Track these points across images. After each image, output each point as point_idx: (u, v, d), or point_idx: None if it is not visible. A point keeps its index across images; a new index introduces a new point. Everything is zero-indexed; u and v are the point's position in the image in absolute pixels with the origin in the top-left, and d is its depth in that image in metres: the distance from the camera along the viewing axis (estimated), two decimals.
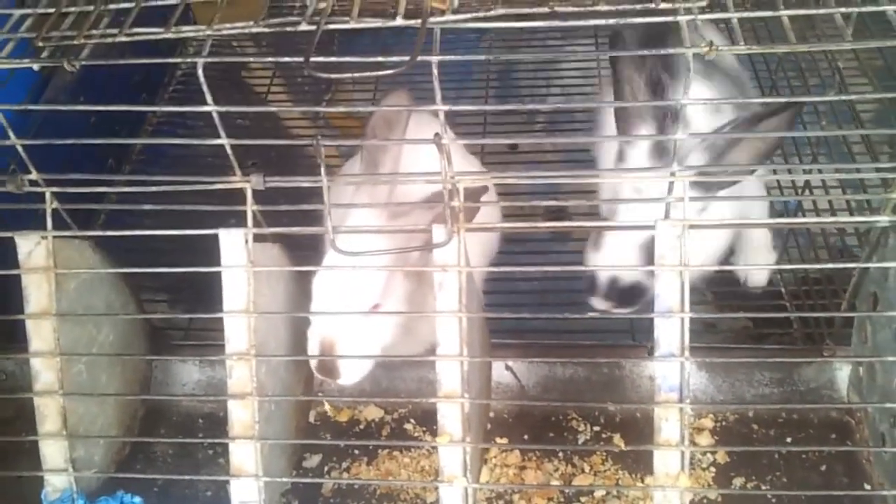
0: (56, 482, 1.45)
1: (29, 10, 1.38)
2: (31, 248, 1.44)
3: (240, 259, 1.38)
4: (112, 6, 1.34)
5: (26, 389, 1.47)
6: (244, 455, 1.39)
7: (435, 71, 1.20)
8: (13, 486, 1.56)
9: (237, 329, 1.39)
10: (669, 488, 1.33)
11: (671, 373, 1.32)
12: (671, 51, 1.21)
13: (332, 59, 1.22)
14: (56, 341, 1.44)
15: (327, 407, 1.71)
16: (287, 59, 1.26)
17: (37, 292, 1.44)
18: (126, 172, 2.40)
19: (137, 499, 1.53)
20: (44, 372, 1.45)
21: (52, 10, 1.35)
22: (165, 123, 2.56)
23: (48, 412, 1.44)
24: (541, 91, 2.65)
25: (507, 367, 1.74)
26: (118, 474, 1.59)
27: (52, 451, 1.45)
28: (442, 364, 1.37)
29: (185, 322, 1.95)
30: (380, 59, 1.16)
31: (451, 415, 1.37)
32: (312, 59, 1.15)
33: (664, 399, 1.32)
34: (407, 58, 1.13)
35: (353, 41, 2.53)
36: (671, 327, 1.32)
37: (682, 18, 1.21)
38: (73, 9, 1.34)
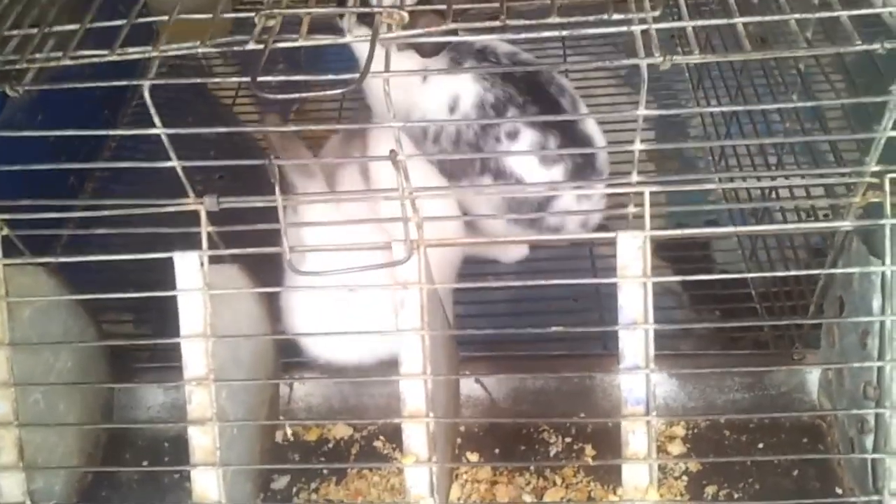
0: None
1: None
2: None
3: (195, 282, 1.35)
4: (56, 28, 1.31)
5: None
6: (207, 482, 1.36)
7: (386, 87, 1.19)
8: None
9: (195, 353, 1.36)
10: (639, 502, 1.31)
11: (637, 385, 1.31)
12: (625, 62, 1.19)
13: (280, 77, 1.20)
14: (10, 371, 1.40)
15: (289, 431, 1.68)
16: (235, 78, 1.24)
17: None
18: (88, 190, 2.36)
19: None
20: None
21: None
22: (128, 139, 2.52)
23: (3, 444, 1.40)
24: None
25: (477, 381, 1.72)
26: (82, 503, 1.56)
27: (10, 484, 1.41)
28: (405, 383, 1.35)
29: (150, 343, 1.91)
30: (328, 77, 1.14)
31: (417, 434, 1.35)
32: (259, 78, 1.13)
33: (631, 412, 1.31)
34: (355, 76, 1.12)
35: (320, 52, 2.50)
36: (635, 339, 1.31)
37: (636, 28, 1.19)
38: (15, 32, 1.31)
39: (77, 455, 1.59)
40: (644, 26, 1.20)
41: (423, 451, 1.34)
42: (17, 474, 1.40)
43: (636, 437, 1.31)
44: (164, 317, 1.82)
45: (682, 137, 2.42)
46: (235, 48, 1.21)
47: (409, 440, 1.35)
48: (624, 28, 1.19)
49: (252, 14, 1.24)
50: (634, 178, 1.30)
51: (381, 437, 1.69)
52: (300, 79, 1.19)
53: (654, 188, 1.31)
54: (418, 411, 1.34)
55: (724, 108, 2.18)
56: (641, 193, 1.31)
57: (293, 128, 2.00)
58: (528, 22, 1.18)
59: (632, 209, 1.35)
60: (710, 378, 1.70)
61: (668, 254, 1.98)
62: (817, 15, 1.24)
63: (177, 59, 1.25)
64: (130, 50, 1.25)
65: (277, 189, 1.30)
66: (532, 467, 1.61)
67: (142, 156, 1.99)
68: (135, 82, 1.23)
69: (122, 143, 2.49)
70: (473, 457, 1.63)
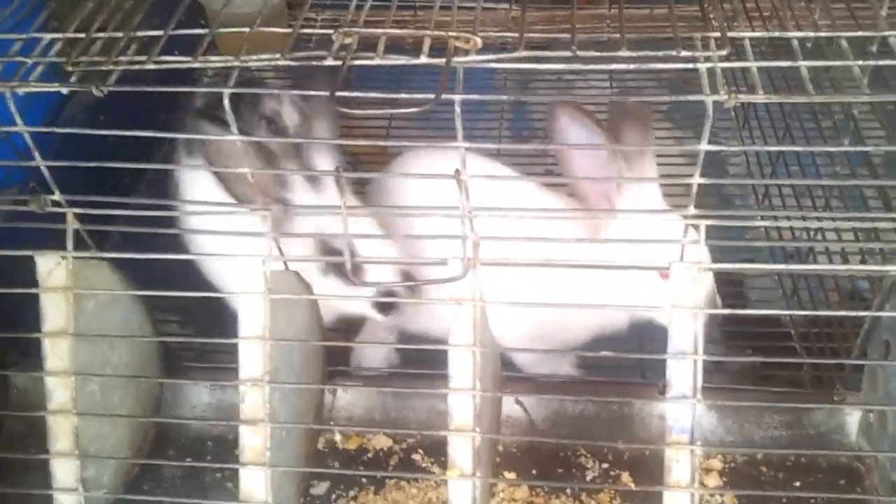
0: (66, 501, 1.46)
1: (59, 35, 1.41)
2: (51, 267, 1.46)
3: (256, 285, 1.39)
4: (140, 33, 1.37)
5: (37, 406, 1.48)
6: (254, 481, 1.39)
7: (458, 109, 1.23)
8: (21, 503, 1.57)
9: (252, 355, 1.40)
10: None
11: (683, 414, 1.33)
12: (691, 97, 1.23)
13: (357, 94, 1.24)
14: (71, 361, 1.45)
15: (338, 436, 1.71)
16: (313, 92, 1.29)
17: (54, 311, 1.46)
18: (142, 189, 2.43)
19: None
20: (58, 391, 1.45)
21: (82, 35, 1.38)
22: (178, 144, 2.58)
23: (61, 431, 1.45)
24: None
25: (518, 402, 1.74)
26: (127, 496, 1.60)
27: (63, 470, 1.46)
28: (454, 397, 1.38)
29: (197, 343, 1.96)
30: (405, 95, 1.18)
31: (462, 448, 1.37)
32: (338, 93, 1.18)
33: (675, 440, 1.32)
34: (430, 95, 1.16)
35: (371, 69, 2.55)
36: (684, 369, 1.33)
37: (702, 66, 1.23)
38: (102, 34, 1.37)
39: (127, 447, 1.64)
40: (710, 64, 1.23)
41: (468, 464, 1.37)
42: (71, 461, 1.45)
43: (679, 465, 1.32)
44: (209, 319, 1.88)
45: (722, 175, 2.44)
46: (314, 63, 1.26)
47: (455, 453, 1.37)
48: (690, 65, 1.23)
49: (330, 32, 1.28)
50: (691, 210, 1.32)
51: (420, 451, 1.72)
52: (377, 96, 1.23)
53: (710, 221, 1.34)
54: (465, 425, 1.37)
55: (782, 149, 2.18)
56: (697, 226, 1.34)
57: (347, 141, 2.06)
58: (598, 54, 1.22)
59: (686, 241, 1.38)
60: (749, 413, 1.71)
61: None
62: (880, 63, 1.27)
63: (227, 70, 1.29)
64: (212, 58, 1.31)
65: (343, 200, 1.34)
66: (569, 490, 1.62)
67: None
68: (216, 90, 1.28)
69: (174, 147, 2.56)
70: (511, 476, 1.65)
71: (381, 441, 1.73)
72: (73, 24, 1.42)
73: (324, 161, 1.70)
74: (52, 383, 1.45)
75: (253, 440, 1.39)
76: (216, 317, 1.84)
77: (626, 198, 1.65)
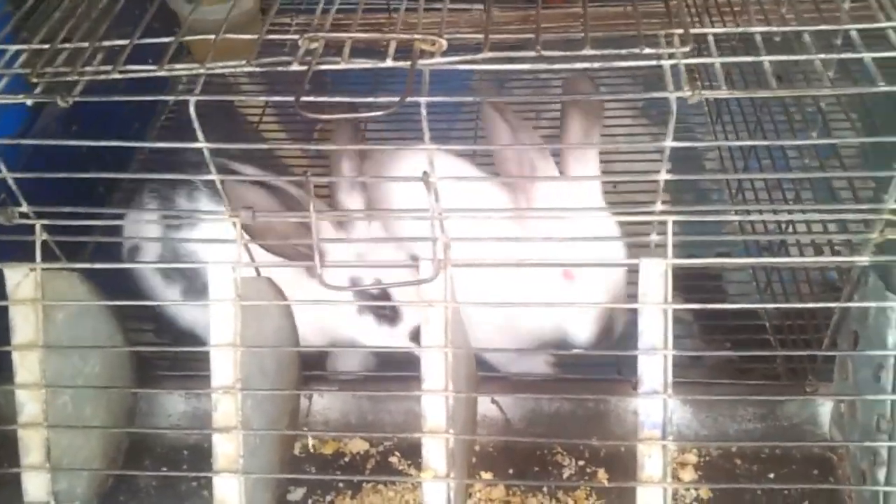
0: None
1: (24, 46, 1.40)
2: (20, 279, 1.45)
3: (228, 293, 1.39)
4: (106, 42, 1.36)
5: (9, 420, 1.47)
6: (228, 489, 1.39)
7: (423, 111, 1.23)
8: None
9: (223, 362, 1.39)
10: None
11: (654, 410, 1.34)
12: (655, 95, 1.24)
13: (323, 98, 1.24)
14: (42, 373, 1.44)
15: (310, 442, 1.71)
16: (278, 97, 1.29)
17: (23, 324, 1.45)
18: (115, 200, 2.41)
19: None
20: (29, 403, 1.44)
21: (46, 46, 1.37)
22: (157, 151, 2.56)
23: (32, 444, 1.44)
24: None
25: (493, 401, 1.75)
26: None
27: (35, 484, 1.44)
28: (427, 398, 1.38)
29: (171, 352, 1.94)
30: (369, 99, 1.19)
31: (436, 450, 1.37)
32: (303, 98, 1.18)
33: (647, 436, 1.33)
34: (395, 99, 1.16)
35: (346, 74, 2.55)
36: (655, 364, 1.34)
37: (666, 63, 1.24)
38: (67, 45, 1.36)
39: (100, 459, 1.62)
40: (674, 61, 1.24)
41: (442, 466, 1.37)
42: (42, 475, 1.44)
43: (652, 460, 1.33)
44: (185, 327, 1.87)
45: (697, 170, 2.46)
46: (280, 68, 1.25)
47: (429, 455, 1.37)
48: (653, 62, 1.23)
49: (296, 37, 1.28)
50: (658, 206, 1.33)
51: (397, 453, 1.71)
52: (342, 100, 1.23)
53: (678, 217, 1.35)
54: (438, 427, 1.37)
55: (750, 143, 2.20)
56: (664, 222, 1.35)
57: (321, 146, 2.06)
58: (562, 53, 1.22)
59: (654, 237, 1.39)
60: (723, 407, 1.72)
61: (679, 283, 2.00)
62: (841, 56, 1.29)
63: (206, 76, 1.29)
64: (177, 66, 1.30)
65: (312, 205, 1.34)
66: (545, 488, 1.63)
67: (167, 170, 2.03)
68: (181, 97, 1.28)
69: (150, 156, 2.55)
70: (488, 476, 1.65)
71: (357, 445, 1.73)
72: (39, 35, 1.41)
73: (350, 198, 1.73)
74: (22, 396, 1.44)
75: (226, 448, 1.38)
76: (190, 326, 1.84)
77: (545, 191, 1.68)
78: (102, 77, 1.29)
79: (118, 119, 2.38)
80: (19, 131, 2.07)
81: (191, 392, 1.78)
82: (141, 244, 1.88)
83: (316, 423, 1.76)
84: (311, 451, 1.73)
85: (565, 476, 1.66)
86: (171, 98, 1.36)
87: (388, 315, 1.69)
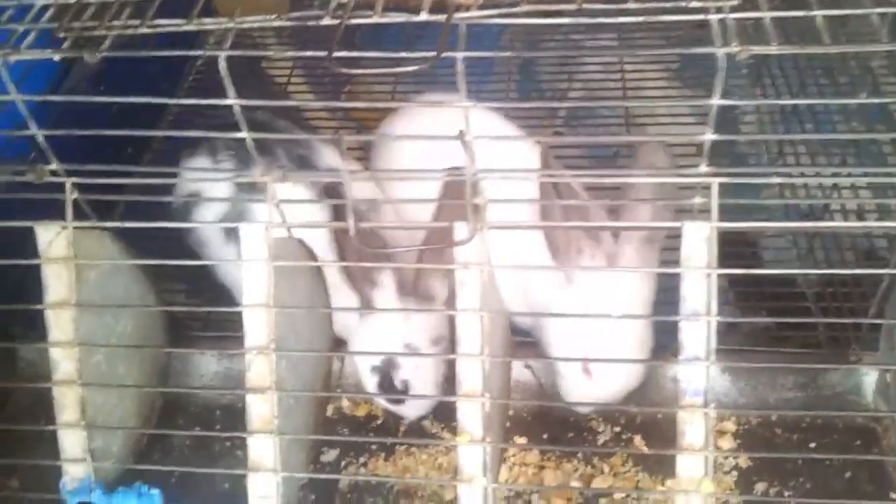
0: (74, 472, 1.45)
1: (50, 0, 1.37)
2: (52, 238, 1.44)
3: (260, 252, 1.37)
4: None
5: (45, 378, 1.47)
6: (263, 449, 1.38)
7: (460, 67, 1.19)
8: (32, 474, 1.57)
9: (256, 323, 1.38)
10: (692, 493, 1.31)
11: (696, 377, 1.30)
12: (701, 50, 1.18)
13: (355, 53, 1.20)
14: (75, 331, 1.43)
15: (345, 403, 1.70)
16: (310, 53, 1.25)
17: (56, 282, 1.44)
18: (146, 160, 2.40)
19: (155, 490, 1.52)
20: (63, 362, 1.44)
21: (73, 1, 1.34)
22: (186, 112, 2.55)
23: (67, 402, 1.44)
24: (562, 86, 2.62)
25: (527, 366, 1.73)
26: (136, 465, 1.59)
27: (71, 441, 1.45)
28: (462, 362, 1.36)
29: (204, 312, 1.94)
30: (403, 54, 1.15)
31: (472, 414, 1.35)
32: (335, 53, 1.14)
33: (689, 403, 1.30)
34: (431, 53, 1.12)
35: (378, 33, 2.51)
36: (697, 330, 1.30)
37: (713, 17, 1.18)
38: (93, 0, 1.33)
39: (135, 417, 1.63)
40: (721, 15, 1.19)
41: (478, 430, 1.35)
42: (78, 432, 1.44)
43: (693, 428, 1.30)
44: (217, 288, 1.86)
45: (735, 133, 2.39)
46: (310, 23, 1.22)
47: (465, 419, 1.35)
48: (701, 16, 1.18)
49: None
50: (703, 168, 1.28)
51: (430, 416, 1.70)
52: (376, 55, 1.19)
53: (723, 179, 1.30)
54: (474, 391, 1.35)
55: (805, 101, 2.12)
56: (707, 185, 1.30)
57: (348, 104, 2.01)
58: (604, 6, 1.17)
59: (697, 200, 1.34)
60: (763, 375, 1.69)
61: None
62: None
63: (234, 36, 1.25)
64: (206, 20, 1.27)
65: (344, 164, 1.32)
66: (580, 454, 1.61)
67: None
68: (210, 53, 1.24)
69: (179, 116, 2.53)
70: (522, 440, 1.63)
71: None
72: None
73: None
74: (56, 354, 1.44)
75: (260, 408, 1.37)
76: (224, 286, 1.82)
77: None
78: (130, 31, 1.26)
79: (146, 79, 2.36)
80: (47, 90, 2.05)
81: (223, 352, 1.78)
82: (199, 201, 1.84)
83: (348, 386, 1.75)
84: (344, 413, 1.72)
85: (600, 442, 1.64)
86: (200, 53, 1.32)
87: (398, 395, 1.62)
